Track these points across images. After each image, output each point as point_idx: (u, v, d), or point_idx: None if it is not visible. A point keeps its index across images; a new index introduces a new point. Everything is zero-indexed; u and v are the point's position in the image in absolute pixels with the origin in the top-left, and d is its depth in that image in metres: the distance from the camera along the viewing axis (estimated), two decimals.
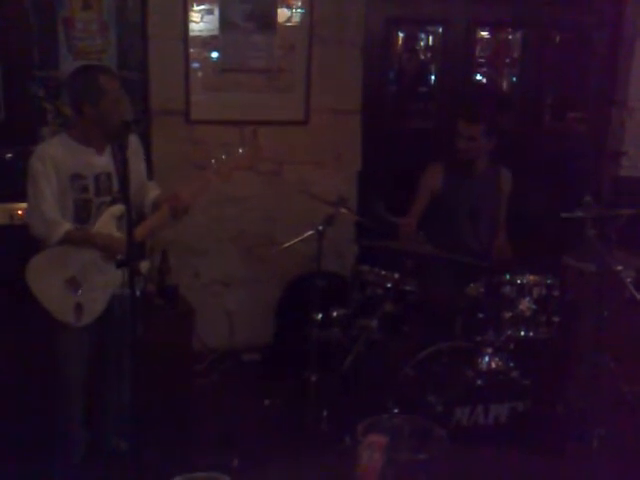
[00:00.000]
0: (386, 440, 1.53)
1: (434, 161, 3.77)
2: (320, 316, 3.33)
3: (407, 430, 1.58)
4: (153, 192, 3.08)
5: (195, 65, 3.93)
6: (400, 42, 4.34)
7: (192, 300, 3.85)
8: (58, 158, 2.75)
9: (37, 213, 2.77)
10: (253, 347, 4.28)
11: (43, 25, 3.67)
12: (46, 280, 2.81)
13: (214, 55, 3.95)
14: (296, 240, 3.39)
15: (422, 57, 4.42)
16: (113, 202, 2.84)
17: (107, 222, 2.83)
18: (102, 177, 2.83)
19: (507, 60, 4.55)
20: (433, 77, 4.43)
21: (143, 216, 3.01)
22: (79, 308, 2.82)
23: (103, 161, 2.82)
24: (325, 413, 3.26)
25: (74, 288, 2.81)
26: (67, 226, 2.75)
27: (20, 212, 3.50)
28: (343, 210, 3.34)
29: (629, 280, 2.89)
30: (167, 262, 3.78)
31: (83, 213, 2.82)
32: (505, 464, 1.87)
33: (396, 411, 2.94)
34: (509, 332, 3.13)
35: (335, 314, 3.35)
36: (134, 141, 2.97)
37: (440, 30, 4.34)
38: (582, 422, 3.06)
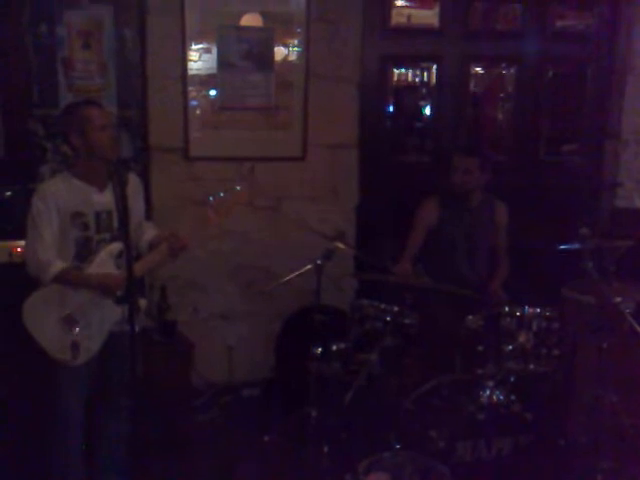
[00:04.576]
0: (388, 478, 1.52)
1: (429, 195, 3.81)
2: (320, 350, 3.32)
3: (409, 468, 1.56)
4: (150, 232, 3.10)
5: (193, 103, 3.97)
6: (395, 78, 4.40)
7: (191, 335, 3.84)
8: (60, 196, 2.78)
9: (32, 253, 2.79)
10: (252, 382, 4.26)
11: (43, 64, 3.71)
12: (42, 319, 2.81)
13: (212, 93, 4.00)
14: (295, 274, 3.39)
15: (417, 93, 4.48)
16: (113, 240, 2.85)
17: (105, 261, 2.83)
18: (103, 215, 2.85)
19: (501, 95, 4.61)
20: (428, 112, 4.48)
21: (139, 255, 3.02)
22: (75, 346, 2.81)
23: (104, 199, 2.83)
24: (326, 449, 3.23)
25: (70, 326, 2.81)
26: (59, 266, 2.76)
27: (19, 249, 3.50)
28: (341, 245, 3.35)
29: (628, 312, 2.89)
30: (166, 298, 3.79)
31: (84, 251, 2.84)
32: None
33: (398, 447, 2.92)
34: (509, 365, 3.12)
35: (335, 348, 3.33)
36: (135, 180, 3.01)
37: (435, 66, 4.40)
38: (584, 456, 3.03)
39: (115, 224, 2.86)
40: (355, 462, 2.75)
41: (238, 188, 3.01)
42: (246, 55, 3.96)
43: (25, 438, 3.22)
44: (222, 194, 2.93)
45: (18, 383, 3.28)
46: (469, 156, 3.66)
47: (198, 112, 3.99)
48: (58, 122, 3.10)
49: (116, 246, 2.82)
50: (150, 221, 3.23)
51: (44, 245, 2.76)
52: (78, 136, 2.78)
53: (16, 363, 3.26)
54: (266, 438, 3.54)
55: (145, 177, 3.75)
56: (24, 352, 2.95)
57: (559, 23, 4.52)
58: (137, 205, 3.01)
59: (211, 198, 2.92)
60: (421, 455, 1.60)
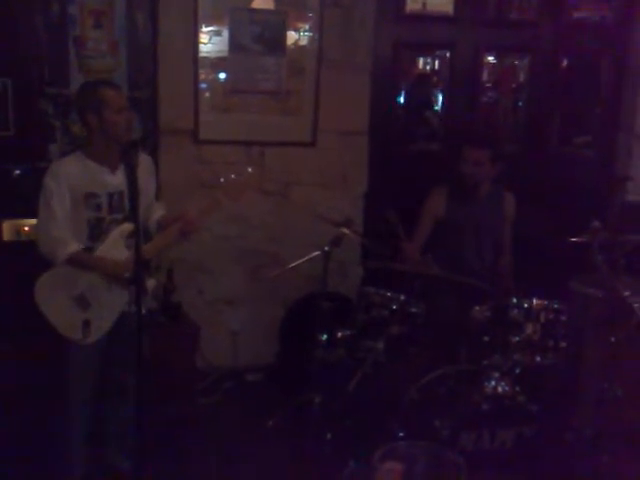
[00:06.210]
0: (403, 468, 1.51)
1: (437, 185, 3.78)
2: (325, 337, 3.32)
3: (423, 458, 1.55)
4: (158, 212, 3.10)
5: (204, 86, 3.95)
6: (408, 65, 4.36)
7: (196, 318, 3.84)
8: (73, 176, 2.78)
9: (45, 231, 2.78)
10: (256, 367, 4.27)
11: (54, 43, 3.69)
12: (54, 297, 2.82)
13: (223, 76, 3.97)
14: (302, 260, 3.39)
15: (430, 81, 4.45)
16: (124, 220, 2.85)
17: (115, 241, 2.83)
18: (115, 196, 2.85)
19: (513, 85, 4.57)
20: (440, 101, 4.45)
21: (148, 235, 3.02)
22: (87, 325, 2.82)
23: (116, 180, 2.83)
24: (329, 435, 3.24)
25: (82, 305, 2.81)
26: (73, 247, 2.76)
27: (27, 228, 3.52)
28: (348, 232, 3.34)
29: (637, 306, 2.88)
30: (172, 280, 3.79)
31: (96, 231, 2.84)
32: None
33: (401, 435, 2.92)
34: (516, 356, 3.12)
35: (340, 335, 3.33)
36: (147, 161, 3.01)
37: (447, 54, 4.36)
38: (589, 450, 3.03)
39: (127, 205, 2.85)
40: (358, 449, 2.75)
41: (250, 170, 2.99)
42: (258, 38, 3.94)
43: (33, 419, 3.23)
44: (234, 176, 2.91)
45: (27, 363, 3.29)
46: (480, 148, 3.62)
47: (208, 95, 3.97)
48: (74, 100, 3.10)
49: (128, 227, 2.81)
50: (160, 201, 3.22)
51: (58, 223, 2.76)
52: (94, 116, 2.78)
53: (26, 342, 3.27)
54: (269, 423, 3.55)
55: (154, 158, 3.73)
56: (34, 331, 2.95)
57: (574, 14, 4.48)
58: (149, 185, 3.00)
59: (222, 179, 2.90)
60: (435, 445, 1.59)
